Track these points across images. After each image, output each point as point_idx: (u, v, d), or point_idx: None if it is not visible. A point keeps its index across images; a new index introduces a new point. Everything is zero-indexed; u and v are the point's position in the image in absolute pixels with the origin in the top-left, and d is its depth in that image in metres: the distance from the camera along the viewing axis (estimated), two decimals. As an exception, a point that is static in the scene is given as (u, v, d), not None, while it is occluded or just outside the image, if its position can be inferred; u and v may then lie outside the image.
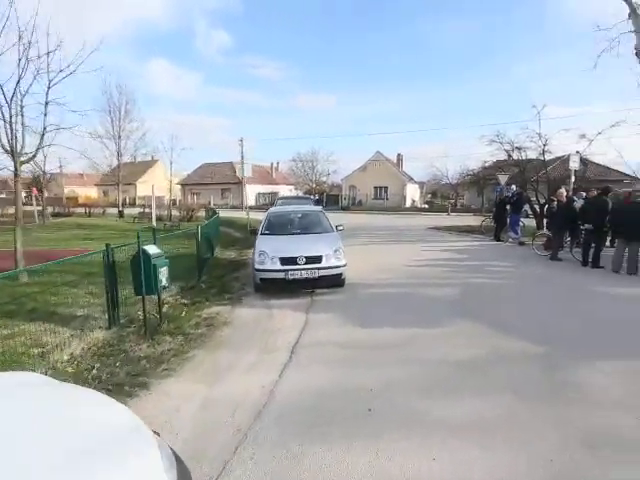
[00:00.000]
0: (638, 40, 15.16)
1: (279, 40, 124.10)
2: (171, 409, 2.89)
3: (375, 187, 40.80)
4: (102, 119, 21.98)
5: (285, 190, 51.73)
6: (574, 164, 12.21)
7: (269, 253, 5.92)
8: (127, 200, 43.59)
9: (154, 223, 17.95)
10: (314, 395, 3.08)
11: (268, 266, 5.84)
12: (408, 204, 39.65)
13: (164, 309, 5.25)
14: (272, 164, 56.90)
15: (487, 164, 17.02)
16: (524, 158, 15.00)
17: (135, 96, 24.49)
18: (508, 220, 12.39)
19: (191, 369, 3.62)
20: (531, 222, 14.33)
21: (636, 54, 15.25)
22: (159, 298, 4.70)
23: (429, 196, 55.57)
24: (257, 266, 5.92)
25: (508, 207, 12.37)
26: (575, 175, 13.21)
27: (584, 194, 10.02)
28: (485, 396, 3.04)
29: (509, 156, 15.35)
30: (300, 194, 46.11)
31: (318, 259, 5.86)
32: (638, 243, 7.41)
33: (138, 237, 4.30)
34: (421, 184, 51.35)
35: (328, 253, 5.97)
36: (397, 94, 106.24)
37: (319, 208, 8.13)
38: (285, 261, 5.80)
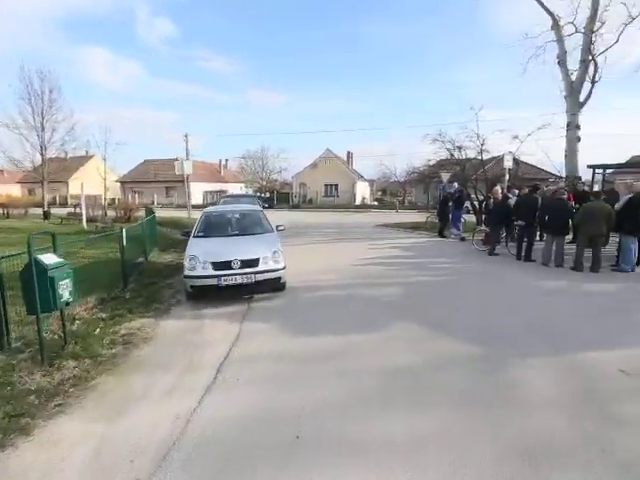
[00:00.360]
0: (560, 50, 16.43)
1: (227, 33, 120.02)
2: (53, 460, 2.35)
3: (326, 185, 40.88)
4: (22, 109, 19.39)
5: (235, 188, 50.19)
6: (508, 163, 12.90)
7: (200, 258, 5.39)
8: (57, 199, 39.72)
9: (84, 225, 16.34)
10: (236, 424, 2.69)
11: (199, 272, 5.31)
12: (358, 201, 40.21)
13: (74, 326, 4.56)
14: (221, 161, 55.02)
15: (431, 162, 17.53)
16: (464, 157, 15.61)
17: (60, 83, 21.84)
18: (450, 217, 12.80)
19: (93, 401, 3.06)
20: (472, 218, 14.97)
21: (558, 63, 16.54)
22: (62, 315, 4.02)
23: (379, 194, 56.97)
24: (187, 272, 5.37)
25: (450, 204, 12.79)
26: (509, 174, 14.00)
27: (517, 191, 10.56)
28: (423, 408, 2.85)
29: (451, 155, 15.91)
30: (249, 192, 45.03)
31: (255, 262, 5.44)
32: (564, 237, 7.88)
33: (29, 245, 3.60)
34: (371, 182, 52.43)
35: (266, 256, 5.57)
36: (347, 92, 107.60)
37: (259, 207, 7.68)
38: (218, 266, 5.31)
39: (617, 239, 7.89)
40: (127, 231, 7.03)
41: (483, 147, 15.43)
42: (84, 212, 16.72)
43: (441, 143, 15.71)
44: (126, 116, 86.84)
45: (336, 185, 40.53)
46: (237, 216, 7.16)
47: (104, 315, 5.13)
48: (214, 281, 5.25)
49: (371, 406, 2.89)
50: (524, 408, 2.82)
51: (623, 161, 16.96)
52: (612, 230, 8.12)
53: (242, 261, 5.36)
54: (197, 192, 41.23)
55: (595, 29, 14.79)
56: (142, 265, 8.34)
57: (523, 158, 18.04)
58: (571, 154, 15.57)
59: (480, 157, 15.79)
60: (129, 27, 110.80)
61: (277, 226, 7.03)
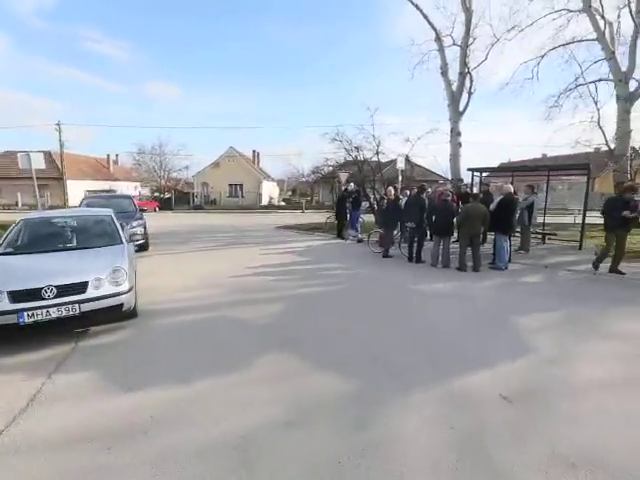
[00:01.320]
0: (442, 61, 17.67)
1: (122, 16, 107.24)
2: None
3: (230, 185, 38.80)
4: None
5: (130, 188, 44.69)
6: (401, 164, 13.23)
7: (-8, 286, 3.77)
8: None
9: None
10: None
11: (-11, 306, 3.70)
12: (265, 202, 39.08)
13: None
14: (109, 156, 48.53)
15: (329, 162, 17.34)
16: (362, 157, 15.71)
17: None
18: (348, 217, 12.58)
19: None
20: (372, 219, 15.12)
21: (441, 73, 17.80)
22: None
23: (289, 194, 56.56)
24: (-30, 308, 3.70)
25: (348, 205, 12.56)
26: (403, 175, 14.43)
27: (408, 192, 10.72)
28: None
29: (349, 155, 15.89)
30: (140, 192, 40.41)
31: (80, 287, 4.01)
32: (449, 238, 8.00)
33: None
34: (281, 182, 51.66)
35: (99, 277, 4.17)
36: (252, 92, 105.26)
37: (108, 211, 6.08)
38: (18, 296, 3.76)
39: (493, 238, 8.30)
40: None
41: (379, 149, 15.75)
42: None
43: (339, 143, 15.59)
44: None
45: (241, 185, 38.74)
46: (72, 224, 5.47)
47: None
48: (12, 318, 3.70)
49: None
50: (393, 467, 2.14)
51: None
52: (487, 230, 8.55)
53: (59, 287, 3.90)
54: (79, 191, 35.52)
55: (469, 43, 16.12)
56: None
57: (418, 161, 19.12)
58: (455, 158, 16.89)
59: (377, 158, 16.12)
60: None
61: (132, 235, 5.59)
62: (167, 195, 40.91)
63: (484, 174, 13.70)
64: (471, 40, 16.28)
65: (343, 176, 13.91)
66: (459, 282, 6.64)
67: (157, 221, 22.35)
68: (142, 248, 10.08)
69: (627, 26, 15.70)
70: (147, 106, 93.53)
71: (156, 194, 43.93)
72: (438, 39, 17.38)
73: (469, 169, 10.77)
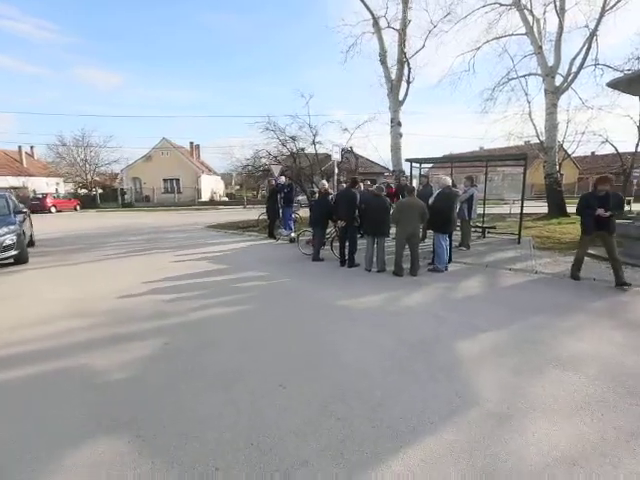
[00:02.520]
0: (381, 48, 16.87)
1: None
2: None
3: (165, 179, 35.74)
4: None
5: (50, 184, 39.62)
6: (336, 156, 12.17)
7: None
8: None
9: None
10: None
11: None
12: (206, 197, 36.57)
13: None
14: (21, 148, 42.67)
15: (261, 153, 15.78)
16: (296, 149, 14.48)
17: None
18: (281, 214, 11.31)
19: None
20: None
21: (380, 61, 17.00)
22: None
23: (237, 188, 53.73)
24: None
25: (281, 200, 11.26)
26: (340, 167, 13.43)
27: (344, 185, 9.69)
28: None
29: (284, 145, 14.57)
30: (62, 188, 35.94)
31: None
32: (384, 238, 7.04)
33: None
34: (228, 175, 48.74)
35: None
36: (197, 82, 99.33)
37: None
38: None
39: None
40: None
41: (317, 139, 14.63)
42: None
43: (272, 133, 14.21)
44: None
45: (177, 180, 35.81)
46: None
47: None
48: None
49: None
50: None
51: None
52: (426, 227, 7.75)
53: None
54: (-22, 188, 30.66)
55: (407, 24, 15.37)
56: None
57: (360, 152, 18.28)
58: (395, 149, 16.19)
59: (314, 150, 14.99)
60: None
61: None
62: (94, 192, 36.81)
63: (425, 166, 13.13)
64: (408, 22, 15.59)
65: (276, 169, 12.55)
66: (393, 292, 5.66)
67: (69, 223, 19.52)
68: (17, 261, 8.09)
69: (552, 24, 16.06)
70: (77, 92, 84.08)
71: (83, 191, 39.36)
72: (376, 24, 16.54)
73: (407, 160, 9.97)
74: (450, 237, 7.05)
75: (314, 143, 14.38)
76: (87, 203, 32.08)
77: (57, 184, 42.41)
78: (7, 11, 76.36)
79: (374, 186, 7.86)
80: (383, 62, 16.44)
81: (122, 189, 35.67)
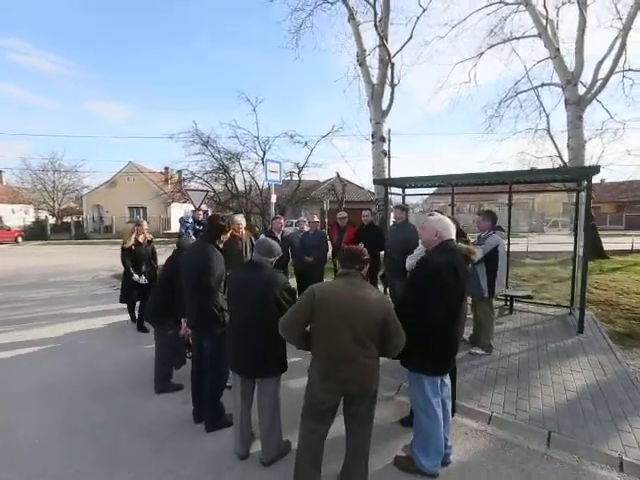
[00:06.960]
0: (359, 47, 13.31)
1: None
2: None
3: (130, 207, 31.94)
4: None
5: (18, 213, 35.83)
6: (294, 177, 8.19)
7: None
8: None
9: None
10: None
11: None
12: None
13: None
14: (-18, 173, 39.25)
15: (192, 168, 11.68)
16: (234, 170, 10.54)
17: None
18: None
19: None
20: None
21: (359, 63, 13.42)
22: None
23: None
24: None
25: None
26: (325, 195, 9.43)
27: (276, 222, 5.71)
28: None
29: (220, 165, 10.61)
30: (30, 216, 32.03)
31: None
32: (273, 380, 2.81)
33: None
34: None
35: None
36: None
37: None
38: None
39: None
40: None
41: (266, 157, 10.74)
42: None
43: (203, 147, 10.27)
44: None
45: (144, 208, 31.99)
46: None
47: None
48: None
49: None
50: None
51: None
52: (401, 357, 3.58)
53: None
54: None
55: (389, 12, 11.94)
56: None
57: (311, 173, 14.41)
58: (378, 171, 12.22)
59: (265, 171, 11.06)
60: None
61: None
62: (63, 221, 33.05)
63: (418, 192, 8.79)
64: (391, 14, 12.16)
65: (195, 196, 8.48)
66: None
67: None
68: None
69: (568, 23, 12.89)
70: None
71: (51, 221, 35.51)
72: (352, 18, 13.11)
73: (375, 181, 5.98)
74: (453, 377, 2.81)
75: (263, 162, 10.49)
76: (36, 234, 28.12)
77: (26, 212, 38.59)
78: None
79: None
80: (362, 64, 12.87)
81: (77, 218, 31.72)
